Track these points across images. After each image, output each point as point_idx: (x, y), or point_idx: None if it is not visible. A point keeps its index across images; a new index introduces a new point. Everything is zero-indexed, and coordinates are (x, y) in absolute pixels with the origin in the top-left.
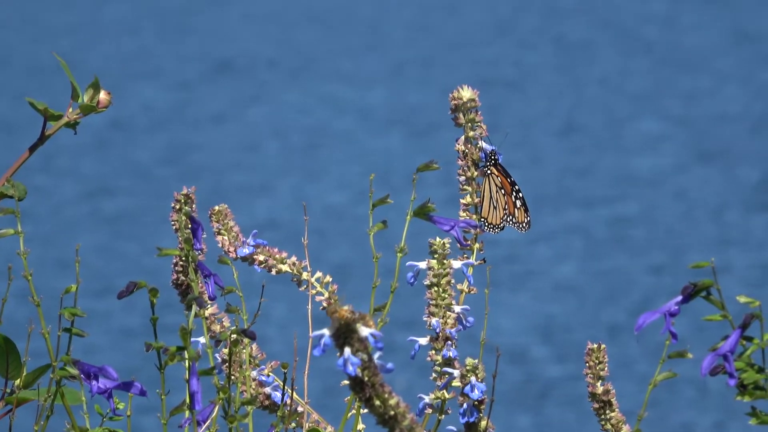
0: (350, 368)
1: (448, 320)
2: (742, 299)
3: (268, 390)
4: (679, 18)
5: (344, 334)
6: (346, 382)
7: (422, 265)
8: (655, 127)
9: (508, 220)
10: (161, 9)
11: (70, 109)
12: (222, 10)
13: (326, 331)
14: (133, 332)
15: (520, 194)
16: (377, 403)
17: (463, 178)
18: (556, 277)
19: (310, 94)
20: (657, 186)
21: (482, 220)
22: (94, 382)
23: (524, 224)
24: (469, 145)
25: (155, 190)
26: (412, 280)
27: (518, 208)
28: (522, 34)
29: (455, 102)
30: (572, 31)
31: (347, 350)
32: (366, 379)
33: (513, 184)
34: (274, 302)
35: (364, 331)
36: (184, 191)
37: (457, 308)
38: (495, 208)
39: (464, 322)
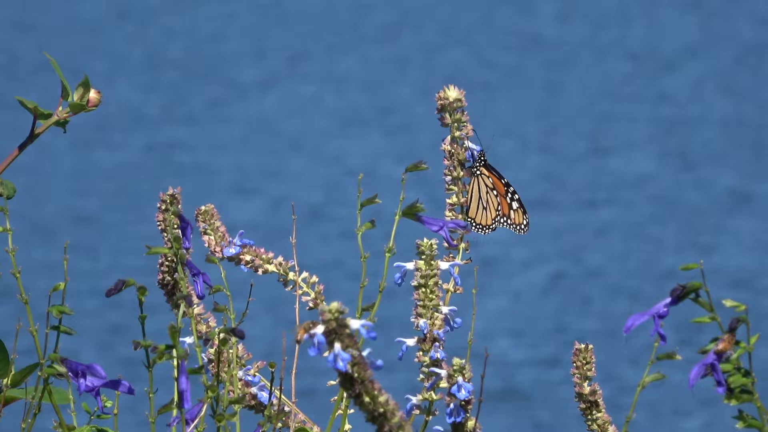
0: (340, 364)
1: (436, 321)
2: (729, 303)
3: (254, 390)
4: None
5: (334, 330)
6: (332, 382)
7: (410, 266)
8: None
9: (502, 221)
10: (142, 7)
11: (60, 108)
12: (200, 10)
13: (318, 329)
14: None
15: (516, 195)
16: (367, 399)
17: (449, 178)
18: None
19: (288, 95)
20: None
21: (470, 220)
22: (81, 380)
23: (523, 226)
24: (455, 145)
25: (129, 188)
26: (399, 281)
27: (515, 210)
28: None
29: (441, 102)
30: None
31: (337, 346)
32: (356, 375)
33: (507, 185)
34: (260, 303)
35: (355, 323)
36: (170, 191)
37: (445, 309)
38: (485, 209)
39: (452, 323)
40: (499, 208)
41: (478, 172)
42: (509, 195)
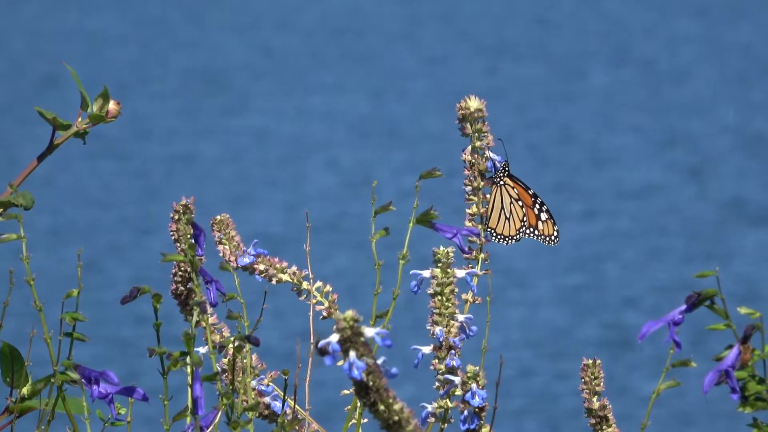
0: (355, 372)
1: (452, 329)
2: (743, 310)
3: (267, 400)
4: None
5: (349, 338)
6: (346, 391)
7: (426, 273)
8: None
9: (528, 232)
10: (144, 20)
11: (80, 119)
12: (203, 21)
13: (333, 338)
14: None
15: (545, 207)
16: (381, 407)
17: (469, 188)
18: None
19: (292, 105)
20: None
21: (490, 230)
22: (95, 387)
23: (553, 237)
24: (476, 155)
25: (145, 197)
26: (415, 289)
27: (544, 222)
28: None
29: (462, 112)
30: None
31: (352, 354)
32: (371, 383)
33: (534, 196)
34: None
35: (369, 331)
36: (183, 201)
37: (461, 317)
38: (508, 219)
39: (467, 331)
40: (525, 219)
41: (501, 183)
42: (536, 206)
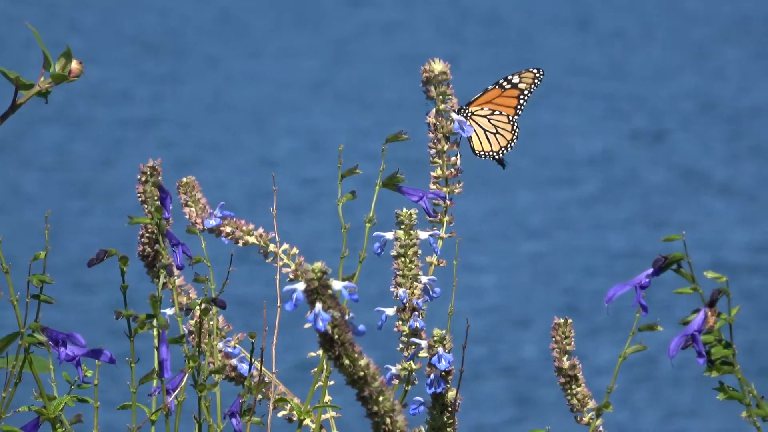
0: (320, 324)
1: (415, 291)
2: (710, 275)
3: (234, 362)
4: None
5: (316, 289)
6: (313, 354)
7: (389, 235)
8: None
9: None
10: None
11: (42, 78)
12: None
13: (299, 286)
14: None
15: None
16: (346, 362)
17: (433, 151)
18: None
19: (253, 68)
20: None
21: (484, 154)
22: (62, 349)
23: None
24: (440, 118)
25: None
26: (378, 251)
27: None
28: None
29: (427, 75)
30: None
31: (318, 306)
32: (336, 336)
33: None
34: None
35: (337, 284)
36: (150, 163)
37: (424, 279)
38: (496, 134)
39: (431, 292)
40: (513, 119)
41: (468, 114)
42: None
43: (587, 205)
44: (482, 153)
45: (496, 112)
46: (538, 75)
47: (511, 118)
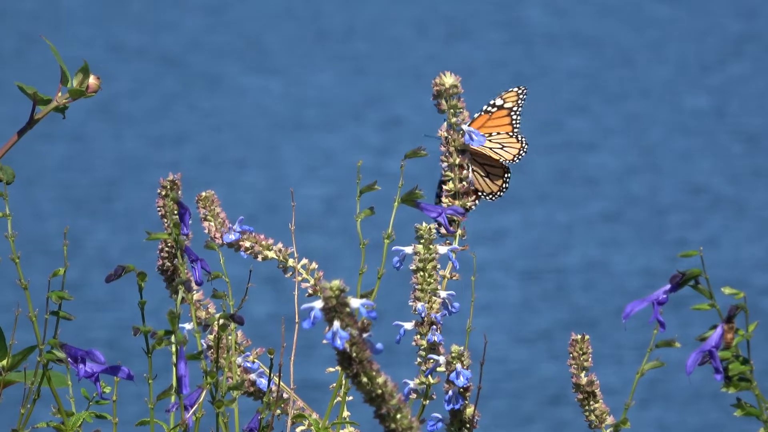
0: (338, 342)
1: (434, 305)
2: (727, 291)
3: (253, 377)
4: None
5: (334, 307)
6: (332, 369)
7: (408, 250)
8: None
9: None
10: (119, 1)
11: (60, 94)
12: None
13: (317, 304)
14: None
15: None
16: (364, 380)
17: (445, 164)
18: None
19: (268, 85)
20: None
21: (484, 196)
22: (81, 366)
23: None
24: (452, 132)
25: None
26: (398, 265)
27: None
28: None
29: (438, 88)
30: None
31: (336, 324)
32: (354, 354)
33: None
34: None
35: (355, 302)
36: (170, 177)
37: (443, 293)
38: (486, 177)
39: (450, 307)
40: (503, 159)
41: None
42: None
43: (597, 221)
44: (484, 196)
45: (494, 134)
46: (520, 92)
47: (510, 133)
